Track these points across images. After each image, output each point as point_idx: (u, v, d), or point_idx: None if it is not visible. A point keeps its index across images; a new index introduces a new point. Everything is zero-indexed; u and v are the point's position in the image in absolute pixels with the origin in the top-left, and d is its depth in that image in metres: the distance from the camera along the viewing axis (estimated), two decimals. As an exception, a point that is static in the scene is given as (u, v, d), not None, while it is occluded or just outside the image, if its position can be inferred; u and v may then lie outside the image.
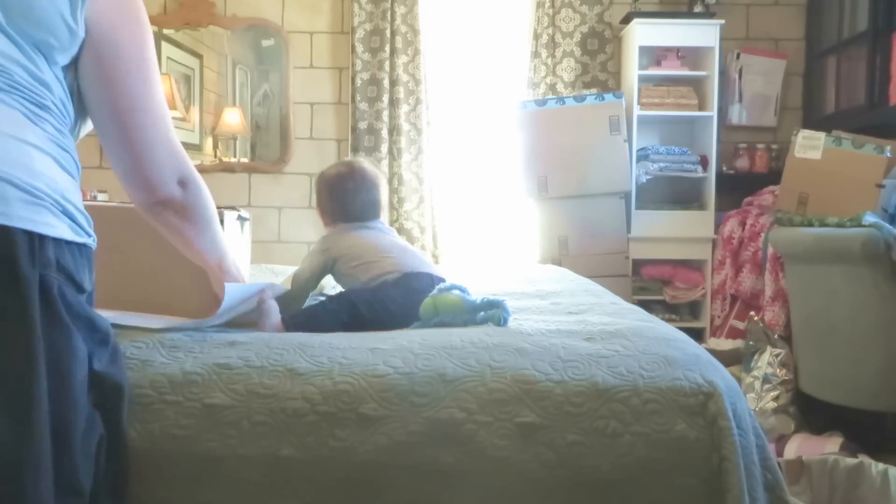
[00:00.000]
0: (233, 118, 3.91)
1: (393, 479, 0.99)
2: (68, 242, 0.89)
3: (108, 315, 1.00)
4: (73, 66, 0.98)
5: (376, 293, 1.52)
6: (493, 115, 3.92)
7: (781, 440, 2.45)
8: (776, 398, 2.62)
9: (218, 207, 1.23)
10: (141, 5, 1.03)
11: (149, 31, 1.04)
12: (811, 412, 2.61)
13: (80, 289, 0.90)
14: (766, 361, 2.72)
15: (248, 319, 1.35)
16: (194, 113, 3.91)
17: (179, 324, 1.23)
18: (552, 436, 1.00)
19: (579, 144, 3.49)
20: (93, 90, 0.99)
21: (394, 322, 1.41)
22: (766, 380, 2.68)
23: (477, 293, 1.50)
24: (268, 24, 3.89)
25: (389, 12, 3.76)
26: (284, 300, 1.52)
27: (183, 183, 1.08)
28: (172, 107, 3.77)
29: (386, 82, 3.79)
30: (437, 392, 1.03)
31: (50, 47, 0.92)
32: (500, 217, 3.93)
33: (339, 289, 1.75)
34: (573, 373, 1.06)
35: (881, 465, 1.84)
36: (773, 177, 3.36)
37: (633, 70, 3.58)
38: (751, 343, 2.85)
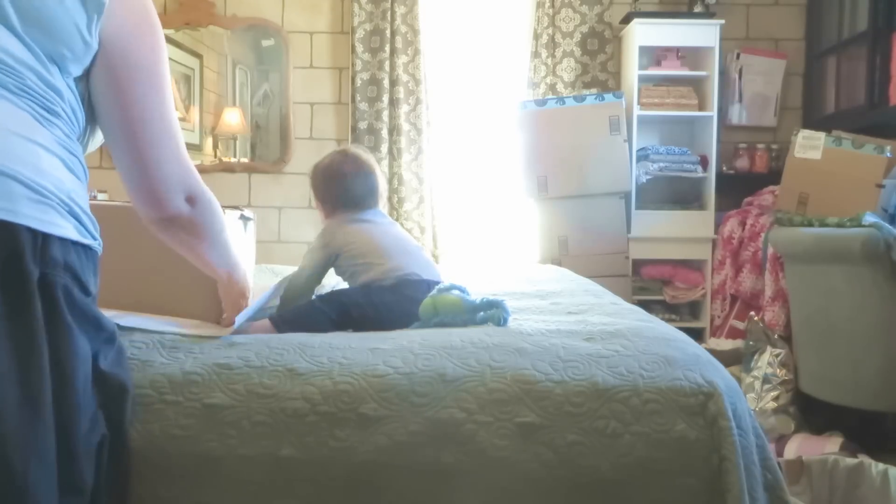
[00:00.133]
0: (233, 118, 3.91)
1: (393, 479, 0.99)
2: (74, 243, 0.89)
3: (108, 315, 1.00)
4: (85, 77, 0.98)
5: (369, 296, 1.49)
6: (493, 115, 3.92)
7: (781, 440, 2.45)
8: (776, 398, 2.62)
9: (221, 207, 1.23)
10: (156, 20, 1.03)
11: (163, 45, 1.03)
12: (811, 412, 2.61)
13: (85, 290, 0.91)
14: (766, 361, 2.72)
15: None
16: (194, 113, 3.91)
17: (180, 329, 1.23)
18: (552, 436, 1.00)
19: (579, 144, 3.49)
20: (104, 100, 0.99)
21: (383, 328, 1.38)
22: (766, 380, 2.68)
23: (477, 293, 1.50)
24: (268, 24, 3.89)
25: (389, 12, 3.76)
26: (286, 301, 1.51)
27: (191, 199, 1.07)
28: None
29: (386, 82, 3.79)
30: (437, 392, 1.03)
31: (63, 58, 0.92)
32: (500, 217, 3.93)
33: (341, 285, 1.73)
34: (573, 373, 1.06)
35: (881, 465, 1.84)
36: (773, 177, 3.36)
37: (633, 70, 3.58)
38: (751, 343, 2.85)
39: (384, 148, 3.79)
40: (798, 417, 2.59)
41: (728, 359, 2.87)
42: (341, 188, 1.67)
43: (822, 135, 2.84)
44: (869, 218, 2.33)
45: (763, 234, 2.97)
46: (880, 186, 2.59)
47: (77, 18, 0.92)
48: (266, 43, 3.93)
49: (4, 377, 0.79)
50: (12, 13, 0.87)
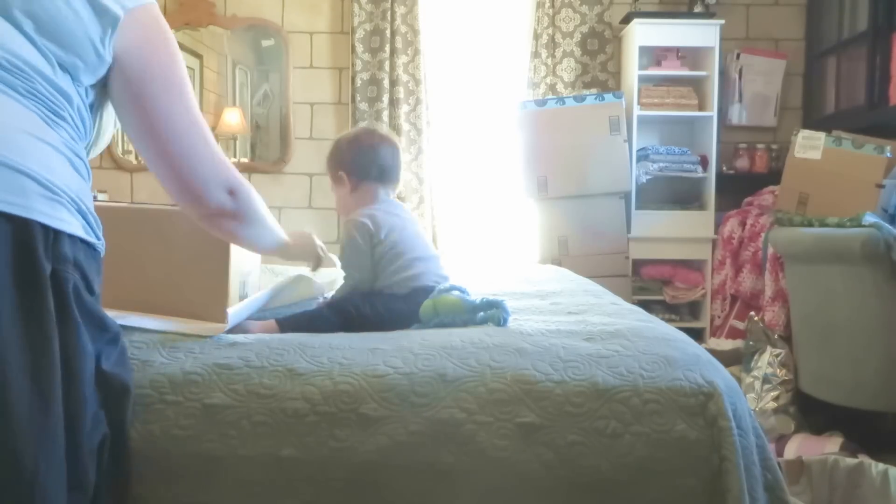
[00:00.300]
0: (233, 118, 3.91)
1: (393, 479, 0.99)
2: (82, 241, 0.90)
3: (110, 315, 1.00)
4: (100, 86, 1.00)
5: (375, 307, 1.44)
6: (492, 115, 3.92)
7: (781, 440, 2.45)
8: (776, 398, 2.62)
9: None
10: (169, 31, 1.05)
11: (178, 54, 1.05)
12: (811, 412, 2.61)
13: (90, 289, 0.92)
14: (766, 361, 2.72)
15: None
16: (194, 113, 3.90)
17: (178, 328, 1.23)
18: (552, 436, 1.00)
19: (579, 144, 3.48)
20: (128, 115, 1.02)
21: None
22: (766, 380, 2.68)
23: (477, 293, 1.50)
24: (268, 24, 3.89)
25: (389, 12, 3.76)
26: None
27: (232, 192, 1.10)
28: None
29: (386, 82, 3.79)
30: (437, 392, 1.03)
31: (76, 67, 0.94)
32: (500, 217, 3.93)
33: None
34: (573, 373, 1.06)
35: (881, 465, 1.85)
36: (773, 177, 3.36)
37: (633, 70, 3.58)
38: (751, 343, 2.85)
39: (384, 148, 3.78)
40: (798, 417, 2.59)
41: (728, 359, 2.87)
42: (371, 157, 1.59)
43: (822, 135, 2.84)
44: (869, 218, 2.33)
45: (763, 234, 2.97)
46: (880, 186, 2.59)
47: (91, 31, 0.93)
48: (266, 43, 3.93)
49: (16, 368, 0.79)
50: (26, 21, 0.89)
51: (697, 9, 3.65)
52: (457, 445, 0.99)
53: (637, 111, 3.58)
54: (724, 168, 3.76)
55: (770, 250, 2.91)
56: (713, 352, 2.25)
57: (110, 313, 1.02)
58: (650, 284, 3.69)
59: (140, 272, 1.33)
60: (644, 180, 3.57)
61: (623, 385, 1.04)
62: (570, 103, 3.52)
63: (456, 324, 1.35)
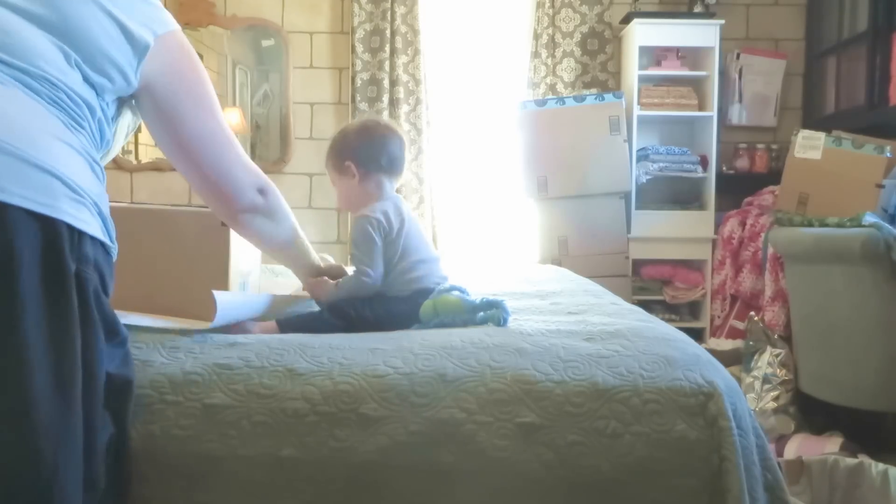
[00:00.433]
0: (233, 118, 3.91)
1: (393, 479, 0.99)
2: (101, 243, 0.92)
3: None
4: (127, 102, 1.06)
5: (375, 311, 1.42)
6: (493, 115, 3.92)
7: (781, 440, 2.45)
8: (776, 398, 2.62)
9: None
10: (194, 54, 1.11)
11: (203, 70, 1.12)
12: (811, 412, 2.61)
13: (106, 291, 0.93)
14: (766, 361, 2.72)
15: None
16: (194, 113, 3.91)
17: (173, 326, 1.23)
18: (552, 436, 1.00)
19: (579, 144, 3.49)
20: (156, 129, 1.09)
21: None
22: (766, 380, 2.68)
23: (477, 293, 1.50)
24: (268, 24, 3.89)
25: (389, 12, 3.76)
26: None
27: (262, 191, 1.21)
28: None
29: (386, 82, 3.79)
30: (437, 392, 1.03)
31: (103, 88, 0.99)
32: (500, 217, 3.93)
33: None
34: (573, 373, 1.06)
35: (881, 465, 1.85)
36: (773, 177, 3.36)
37: (633, 70, 3.58)
38: (751, 343, 2.85)
39: (384, 148, 3.78)
40: (798, 417, 2.59)
41: (728, 359, 2.87)
42: (381, 145, 1.53)
43: (822, 135, 2.84)
44: (869, 218, 2.33)
45: (763, 234, 2.97)
46: (880, 186, 2.59)
47: (122, 58, 0.99)
48: (266, 43, 3.93)
49: (39, 364, 0.80)
50: (62, 38, 0.94)
51: (697, 9, 3.65)
52: (457, 445, 0.99)
53: (637, 111, 3.58)
54: (724, 168, 3.76)
55: (770, 250, 2.92)
56: (713, 352, 2.25)
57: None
58: (650, 284, 3.69)
59: (140, 272, 1.32)
60: (644, 180, 3.57)
61: (623, 385, 1.04)
62: (570, 103, 3.52)
63: (456, 324, 1.35)
